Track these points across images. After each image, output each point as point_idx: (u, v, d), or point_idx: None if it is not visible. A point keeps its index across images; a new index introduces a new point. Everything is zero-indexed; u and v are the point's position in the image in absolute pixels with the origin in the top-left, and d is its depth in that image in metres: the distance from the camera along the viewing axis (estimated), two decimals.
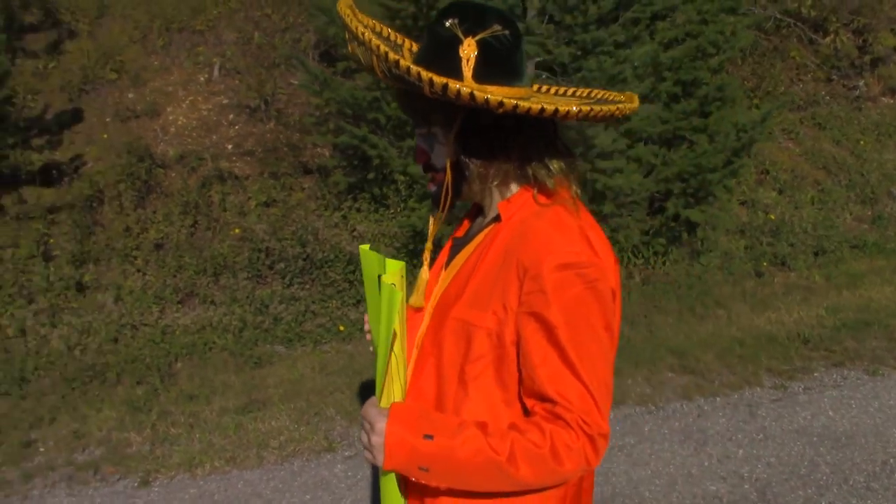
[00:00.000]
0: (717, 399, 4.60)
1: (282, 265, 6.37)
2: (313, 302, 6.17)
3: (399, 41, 1.65)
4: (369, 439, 1.43)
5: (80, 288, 6.02)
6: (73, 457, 4.31)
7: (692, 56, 6.02)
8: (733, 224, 6.80)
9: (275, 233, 6.56)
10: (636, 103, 1.49)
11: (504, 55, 1.44)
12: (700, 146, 5.92)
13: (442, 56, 1.41)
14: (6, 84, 6.34)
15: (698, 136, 5.98)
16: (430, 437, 1.38)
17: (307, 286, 6.32)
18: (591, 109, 1.37)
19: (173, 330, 5.72)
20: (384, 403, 1.48)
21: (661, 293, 5.99)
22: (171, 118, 7.88)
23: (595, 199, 5.46)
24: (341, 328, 5.90)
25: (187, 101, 8.11)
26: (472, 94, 1.29)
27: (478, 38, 1.42)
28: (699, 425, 4.34)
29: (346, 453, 4.23)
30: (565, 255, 1.36)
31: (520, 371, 1.42)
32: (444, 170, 1.52)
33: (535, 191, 1.49)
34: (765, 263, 6.44)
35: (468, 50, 1.42)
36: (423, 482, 1.43)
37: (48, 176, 6.97)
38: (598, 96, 1.56)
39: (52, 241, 6.32)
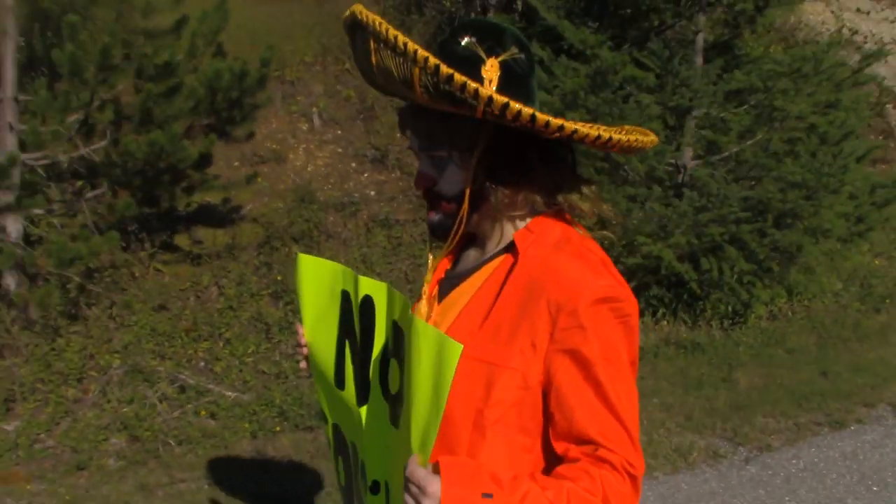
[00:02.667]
0: None
1: None
2: None
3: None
4: None
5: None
6: None
7: None
8: None
9: None
10: (655, 138, 1.47)
11: (523, 79, 1.39)
12: None
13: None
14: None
15: None
16: (489, 495, 1.22)
17: None
18: (632, 140, 1.38)
19: None
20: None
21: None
22: (297, 164, 7.89)
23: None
24: None
25: (300, 149, 8.15)
26: (533, 117, 1.24)
27: (500, 59, 1.36)
28: None
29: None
30: (601, 289, 1.31)
31: (545, 414, 1.33)
32: (455, 198, 1.40)
33: (564, 220, 1.44)
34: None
35: (491, 71, 1.35)
36: None
37: (207, 217, 6.82)
38: (621, 129, 1.45)
39: (271, 280, 6.22)
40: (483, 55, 1.35)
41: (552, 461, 1.34)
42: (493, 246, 1.46)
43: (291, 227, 6.80)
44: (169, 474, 4.46)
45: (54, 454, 4.67)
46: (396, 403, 1.38)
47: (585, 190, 1.44)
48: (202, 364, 5.53)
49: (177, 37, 4.84)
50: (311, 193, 7.19)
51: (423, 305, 1.50)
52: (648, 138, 1.42)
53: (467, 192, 1.39)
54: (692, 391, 5.44)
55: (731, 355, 6.08)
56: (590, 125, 1.33)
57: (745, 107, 6.56)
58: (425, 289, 1.52)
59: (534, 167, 1.38)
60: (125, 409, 4.93)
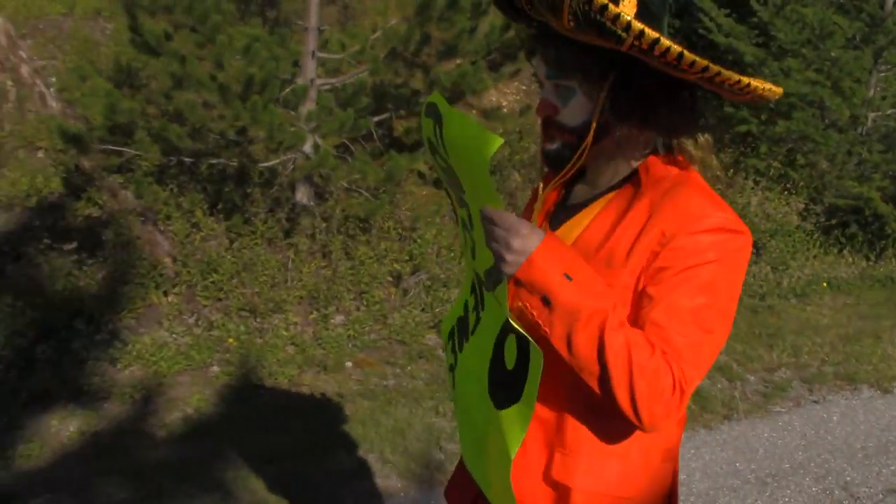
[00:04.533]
0: None
1: None
2: None
3: None
4: (509, 243, 1.26)
5: None
6: None
7: None
8: None
9: None
10: (780, 90, 1.38)
11: (657, 17, 1.34)
12: None
13: None
14: None
15: None
16: (569, 277, 1.26)
17: None
18: (766, 89, 1.31)
19: None
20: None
21: None
22: None
23: None
24: None
25: None
26: (680, 55, 1.20)
27: None
28: None
29: None
30: (719, 220, 1.32)
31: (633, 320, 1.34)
32: (576, 129, 1.41)
33: (677, 162, 1.43)
34: None
35: (629, 5, 1.30)
36: (533, 318, 1.30)
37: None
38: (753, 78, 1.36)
39: None
40: None
41: None
42: (604, 181, 1.48)
43: (513, 157, 7.39)
44: None
45: (385, 346, 5.32)
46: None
47: (701, 138, 1.43)
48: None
49: None
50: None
51: None
52: (776, 89, 1.36)
53: (593, 124, 1.39)
54: None
55: None
56: (730, 70, 1.31)
57: None
58: (535, 220, 1.53)
59: (658, 107, 1.36)
60: (437, 310, 5.57)
